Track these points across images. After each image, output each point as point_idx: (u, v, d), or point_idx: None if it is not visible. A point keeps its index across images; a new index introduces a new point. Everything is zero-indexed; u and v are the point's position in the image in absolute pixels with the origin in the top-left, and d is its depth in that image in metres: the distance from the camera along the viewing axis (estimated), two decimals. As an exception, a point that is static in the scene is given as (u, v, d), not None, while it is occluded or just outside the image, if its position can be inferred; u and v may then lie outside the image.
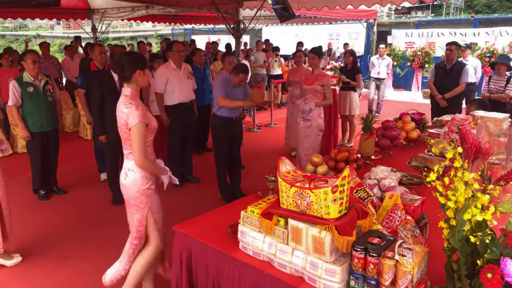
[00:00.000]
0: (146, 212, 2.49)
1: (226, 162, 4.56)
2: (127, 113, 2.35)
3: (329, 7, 8.69)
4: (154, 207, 2.55)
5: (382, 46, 10.10)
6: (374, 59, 9.90)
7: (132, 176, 2.43)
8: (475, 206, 1.34)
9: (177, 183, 2.70)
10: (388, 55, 11.25)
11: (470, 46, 9.61)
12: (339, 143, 7.02)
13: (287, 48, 15.86)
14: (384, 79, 9.67)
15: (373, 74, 9.76)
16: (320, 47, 5.20)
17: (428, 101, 6.83)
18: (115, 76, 4.32)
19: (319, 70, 4.70)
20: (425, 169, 2.67)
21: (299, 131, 4.64)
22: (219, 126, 4.45)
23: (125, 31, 45.43)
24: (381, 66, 9.56)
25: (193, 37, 18.93)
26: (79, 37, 11.57)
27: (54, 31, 49.64)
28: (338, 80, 7.24)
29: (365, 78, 12.76)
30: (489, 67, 10.23)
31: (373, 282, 1.47)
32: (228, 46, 11.48)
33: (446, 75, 5.86)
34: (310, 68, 4.91)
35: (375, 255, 1.45)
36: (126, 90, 2.45)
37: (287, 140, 6.56)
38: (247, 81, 4.68)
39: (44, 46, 9.05)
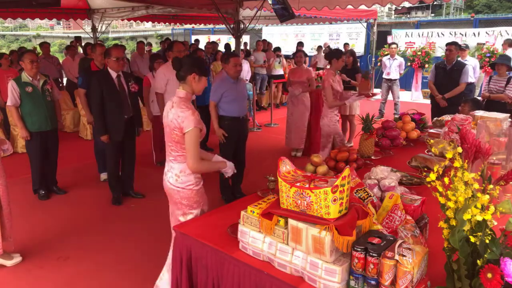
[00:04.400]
0: (199, 211, 2.54)
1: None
2: (183, 117, 2.35)
3: (329, 7, 8.69)
4: (206, 204, 2.60)
5: (393, 45, 9.96)
6: (385, 59, 9.73)
7: (185, 178, 2.47)
8: (475, 206, 1.34)
9: (235, 171, 2.68)
10: (387, 54, 11.23)
11: (469, 46, 9.60)
12: (339, 143, 7.01)
13: (287, 48, 15.87)
14: (395, 79, 9.48)
15: (384, 75, 9.64)
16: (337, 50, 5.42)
17: (428, 101, 6.83)
18: (114, 75, 4.32)
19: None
20: (425, 169, 2.67)
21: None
22: (227, 126, 4.43)
23: (125, 31, 45.46)
24: (392, 67, 9.43)
25: (193, 37, 18.93)
26: (79, 37, 11.57)
27: (54, 31, 49.68)
28: (338, 80, 7.23)
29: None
30: (489, 67, 10.23)
31: (373, 282, 1.47)
32: (227, 46, 11.49)
33: (446, 75, 5.87)
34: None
35: (375, 255, 1.45)
36: (181, 92, 2.46)
37: (287, 140, 6.56)
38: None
39: (45, 46, 9.06)
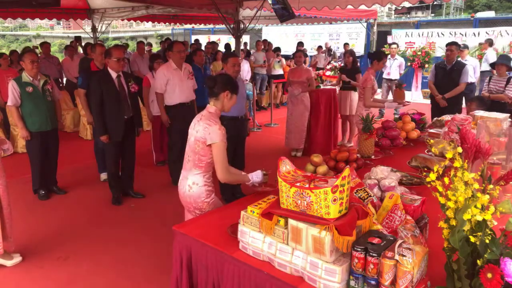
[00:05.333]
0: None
1: (230, 163, 4.55)
2: (210, 130, 2.48)
3: (329, 7, 8.69)
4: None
5: (394, 45, 9.98)
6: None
7: (196, 189, 2.57)
8: (475, 206, 1.34)
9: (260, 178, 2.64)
10: (387, 54, 11.21)
11: (468, 46, 9.60)
12: (339, 143, 7.02)
13: (287, 48, 15.86)
14: (395, 80, 9.48)
15: (384, 75, 9.64)
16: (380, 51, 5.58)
17: (428, 101, 6.83)
18: (114, 76, 4.32)
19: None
20: (425, 169, 2.66)
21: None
22: (226, 126, 4.42)
23: (125, 31, 45.45)
24: (392, 67, 9.44)
25: (193, 37, 18.92)
26: (79, 37, 11.57)
27: (54, 31, 49.66)
28: (338, 80, 7.25)
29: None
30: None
31: (373, 282, 1.47)
32: (227, 46, 11.49)
33: (446, 75, 5.86)
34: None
35: (375, 255, 1.45)
36: (211, 108, 2.60)
37: (286, 140, 6.56)
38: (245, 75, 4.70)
39: (45, 46, 9.05)
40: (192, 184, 2.56)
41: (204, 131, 2.48)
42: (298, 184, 1.65)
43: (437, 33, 13.18)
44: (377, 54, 5.29)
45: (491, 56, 9.85)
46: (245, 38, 13.88)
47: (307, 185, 1.62)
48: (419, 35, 13.54)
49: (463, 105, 6.16)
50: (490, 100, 5.38)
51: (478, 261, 1.35)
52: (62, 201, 4.82)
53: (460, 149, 1.50)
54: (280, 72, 10.72)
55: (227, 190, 4.63)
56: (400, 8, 30.99)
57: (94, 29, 10.97)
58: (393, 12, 40.23)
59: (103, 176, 5.31)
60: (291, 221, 1.64)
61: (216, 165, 2.51)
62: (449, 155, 1.45)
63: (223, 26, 9.12)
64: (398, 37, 13.75)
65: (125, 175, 4.77)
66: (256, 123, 8.69)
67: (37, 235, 3.92)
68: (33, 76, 4.44)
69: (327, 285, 1.53)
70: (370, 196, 1.94)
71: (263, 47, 11.10)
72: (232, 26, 7.72)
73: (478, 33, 12.44)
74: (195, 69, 5.47)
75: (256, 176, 2.60)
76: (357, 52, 13.54)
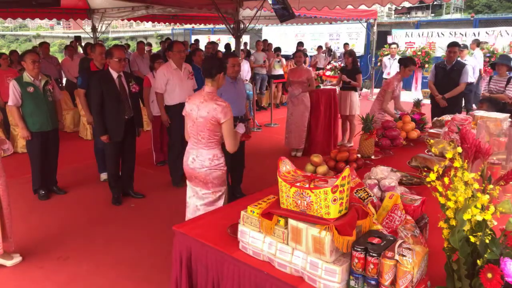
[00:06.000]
0: (225, 188, 3.07)
1: (230, 162, 4.56)
2: (221, 110, 2.78)
3: (329, 7, 8.69)
4: None
5: (394, 46, 10.00)
6: (385, 59, 9.76)
7: (217, 161, 2.94)
8: (475, 206, 1.34)
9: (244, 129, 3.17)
10: (387, 54, 11.21)
11: (468, 46, 9.61)
12: (339, 143, 7.02)
13: (287, 48, 15.86)
14: None
15: (384, 75, 9.65)
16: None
17: (428, 101, 6.83)
18: (115, 76, 4.32)
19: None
20: (425, 169, 2.66)
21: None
22: None
23: (125, 31, 45.47)
24: (392, 67, 9.45)
25: (193, 37, 18.92)
26: (79, 37, 11.57)
27: (54, 31, 49.68)
28: (338, 80, 7.25)
29: (365, 78, 12.78)
30: (489, 67, 10.23)
31: (373, 282, 1.47)
32: (227, 46, 11.48)
33: (446, 75, 5.87)
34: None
35: (375, 255, 1.45)
36: (209, 88, 2.88)
37: (286, 140, 6.56)
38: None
39: (44, 46, 9.04)
40: (213, 157, 2.90)
41: (215, 111, 2.77)
42: (298, 184, 1.65)
43: (437, 33, 13.18)
44: (404, 60, 5.39)
45: (478, 56, 9.87)
46: (245, 38, 13.88)
47: (307, 185, 1.62)
48: (419, 35, 13.54)
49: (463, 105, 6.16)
50: (502, 102, 5.38)
51: (478, 261, 1.35)
52: (62, 201, 4.82)
53: (460, 149, 1.49)
54: (280, 72, 10.72)
55: (228, 190, 4.63)
56: (400, 8, 31.00)
57: (94, 29, 10.96)
58: (393, 12, 40.23)
59: (103, 176, 5.30)
60: (291, 221, 1.64)
61: (226, 139, 2.86)
62: (449, 155, 1.45)
63: (223, 26, 9.12)
64: (398, 37, 13.75)
65: (125, 175, 4.77)
66: (256, 123, 8.69)
67: (37, 235, 3.92)
68: (34, 76, 4.44)
69: (327, 285, 1.53)
70: (370, 196, 1.94)
71: (263, 47, 11.10)
72: (232, 26, 7.71)
73: (478, 33, 12.44)
74: (194, 69, 5.47)
75: (241, 128, 3.07)
76: (357, 52, 13.55)
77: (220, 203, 3.02)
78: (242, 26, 7.73)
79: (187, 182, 3.08)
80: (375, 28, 13.31)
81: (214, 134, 2.85)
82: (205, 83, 2.89)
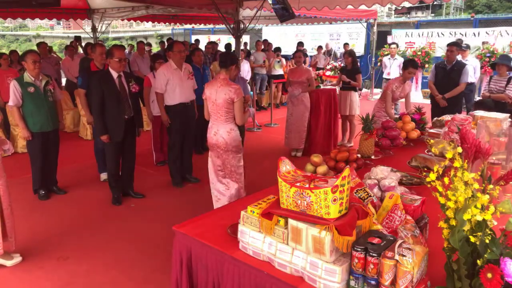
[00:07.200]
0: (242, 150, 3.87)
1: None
2: (235, 90, 3.53)
3: (329, 7, 8.68)
4: None
5: (394, 46, 9.99)
6: (385, 59, 9.75)
7: (234, 133, 3.69)
8: (475, 206, 1.34)
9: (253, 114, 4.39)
10: (387, 54, 11.21)
11: (469, 46, 9.60)
12: (339, 143, 7.02)
13: (287, 48, 15.85)
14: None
15: (384, 75, 9.64)
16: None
17: (428, 101, 6.83)
18: (115, 76, 4.32)
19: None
20: (425, 169, 2.66)
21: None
22: None
23: (125, 31, 45.47)
24: (392, 67, 9.44)
25: (193, 37, 18.91)
26: (79, 37, 11.56)
27: (54, 31, 49.67)
28: (338, 80, 7.25)
29: (365, 78, 12.77)
30: (489, 67, 10.22)
31: (373, 282, 1.47)
32: (227, 46, 11.48)
33: (446, 75, 5.87)
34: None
35: (375, 255, 1.45)
36: (223, 75, 3.64)
37: (286, 140, 6.56)
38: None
39: (42, 46, 9.04)
40: (230, 130, 3.66)
41: (230, 92, 3.52)
42: (298, 184, 1.65)
43: (437, 33, 13.18)
44: (404, 62, 5.43)
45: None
46: (245, 38, 13.87)
47: (307, 185, 1.62)
48: (419, 35, 13.53)
49: (464, 105, 6.16)
50: (493, 102, 5.39)
51: (478, 261, 1.35)
52: (62, 201, 4.82)
53: (460, 149, 1.49)
54: (280, 72, 10.71)
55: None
56: (400, 8, 30.98)
57: (94, 29, 10.97)
58: (393, 12, 40.22)
59: (103, 176, 5.31)
60: (291, 221, 1.64)
61: (237, 114, 3.62)
62: (449, 155, 1.45)
63: (223, 26, 9.12)
64: (398, 37, 13.75)
65: (125, 175, 4.77)
66: (256, 123, 8.69)
67: (37, 235, 3.92)
68: (34, 76, 4.44)
69: (327, 285, 1.53)
70: (370, 196, 1.94)
71: (263, 47, 11.10)
72: (232, 26, 7.71)
73: (478, 33, 12.43)
74: (194, 69, 5.47)
75: (250, 110, 3.95)
76: (357, 52, 13.55)
77: (241, 164, 3.82)
78: (242, 26, 7.73)
79: (209, 163, 3.86)
80: (375, 28, 13.32)
81: (229, 111, 3.60)
82: (220, 71, 3.67)
